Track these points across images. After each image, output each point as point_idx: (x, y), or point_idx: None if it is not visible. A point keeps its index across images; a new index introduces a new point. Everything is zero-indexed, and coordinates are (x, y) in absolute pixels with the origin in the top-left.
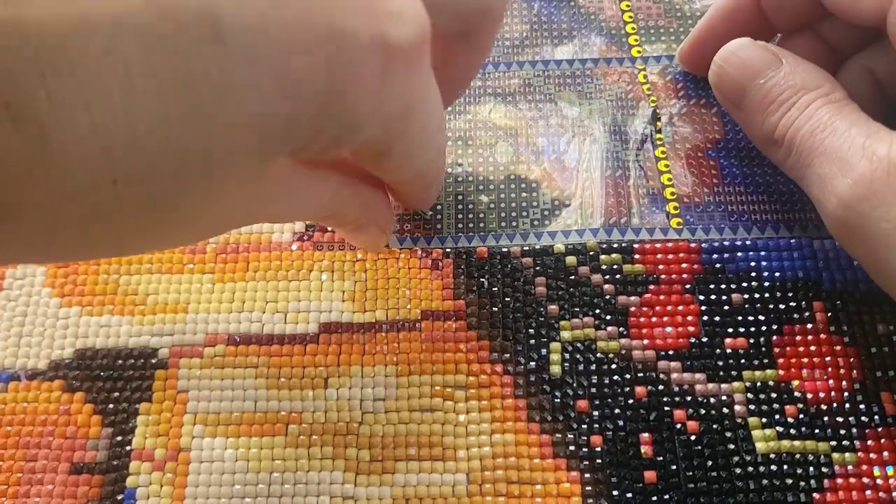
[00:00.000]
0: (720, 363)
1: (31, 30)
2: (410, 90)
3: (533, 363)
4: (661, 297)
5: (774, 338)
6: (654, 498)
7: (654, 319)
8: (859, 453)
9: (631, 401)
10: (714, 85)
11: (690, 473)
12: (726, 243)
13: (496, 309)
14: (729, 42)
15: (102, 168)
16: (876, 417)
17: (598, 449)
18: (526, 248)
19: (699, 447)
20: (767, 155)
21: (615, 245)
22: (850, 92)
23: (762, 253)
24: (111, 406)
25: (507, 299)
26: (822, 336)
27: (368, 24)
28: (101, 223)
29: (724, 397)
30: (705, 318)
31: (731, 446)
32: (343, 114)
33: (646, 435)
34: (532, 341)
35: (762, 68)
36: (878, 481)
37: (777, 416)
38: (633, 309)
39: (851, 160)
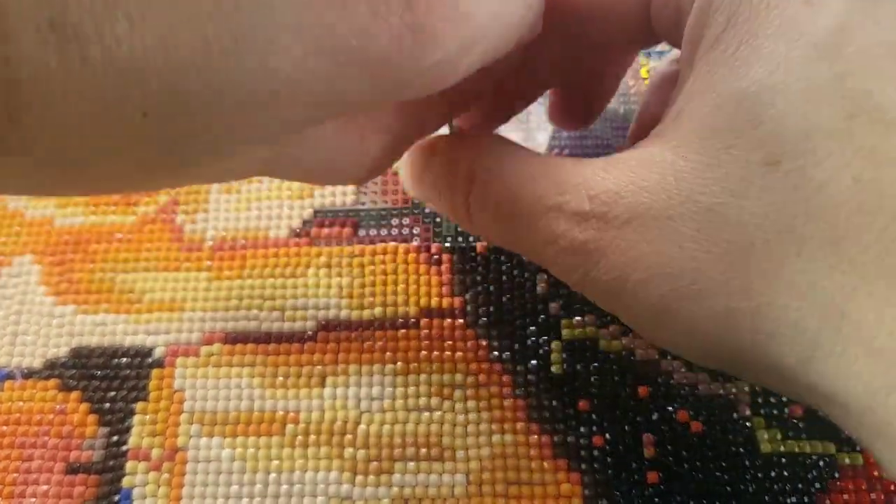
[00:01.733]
0: None
1: None
2: None
3: (533, 362)
4: None
5: None
6: (657, 499)
7: None
8: (864, 453)
9: (633, 400)
10: None
11: (693, 474)
12: None
13: (496, 307)
14: None
15: (135, 98)
16: None
17: (600, 449)
18: None
19: (702, 447)
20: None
21: None
22: None
23: None
24: (107, 405)
25: (507, 297)
26: None
27: None
28: (118, 158)
29: (727, 397)
30: None
31: (735, 447)
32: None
33: (648, 435)
34: (533, 339)
35: None
36: (883, 482)
37: (781, 416)
38: None
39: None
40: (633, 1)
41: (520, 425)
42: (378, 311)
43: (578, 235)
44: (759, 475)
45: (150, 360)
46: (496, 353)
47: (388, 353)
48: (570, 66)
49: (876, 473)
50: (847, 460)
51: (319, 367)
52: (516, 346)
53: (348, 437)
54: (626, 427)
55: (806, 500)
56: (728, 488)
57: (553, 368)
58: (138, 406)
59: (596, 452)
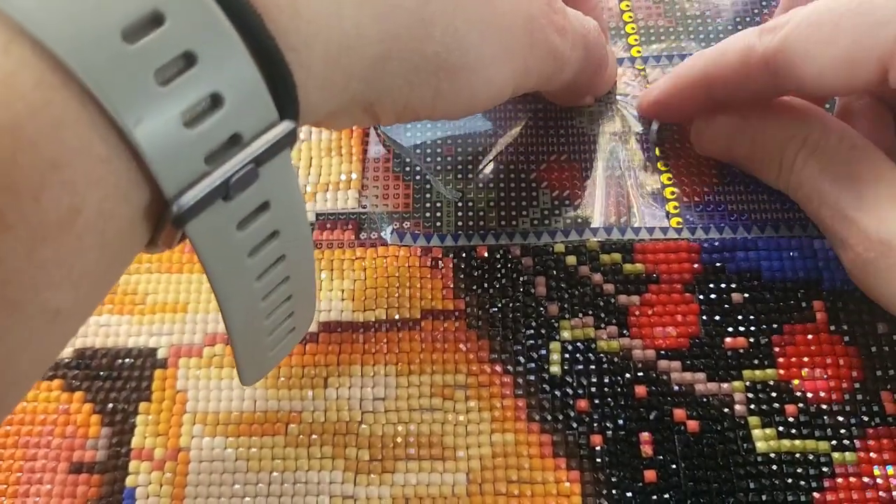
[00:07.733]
0: (720, 362)
1: None
2: None
3: (533, 363)
4: (661, 297)
5: (774, 337)
6: (654, 497)
7: (653, 319)
8: (859, 453)
9: (631, 400)
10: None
11: (690, 473)
12: (726, 242)
13: (496, 308)
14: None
15: None
16: (876, 417)
17: (598, 448)
18: (526, 247)
19: (699, 446)
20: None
21: (615, 244)
22: None
23: (762, 252)
24: (110, 405)
25: (506, 299)
26: (823, 335)
27: None
28: None
29: (724, 397)
30: (705, 317)
31: (731, 446)
32: None
33: (646, 434)
34: (532, 341)
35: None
36: (878, 481)
37: (777, 416)
38: (633, 308)
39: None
40: None
41: (519, 425)
42: (379, 312)
43: (862, 254)
44: (756, 474)
45: (153, 360)
46: (496, 353)
47: (389, 354)
48: None
49: (876, 472)
50: (842, 460)
51: (321, 367)
52: (516, 346)
53: (350, 436)
54: (624, 426)
55: (802, 499)
56: (724, 487)
57: (552, 369)
58: (141, 406)
59: (595, 451)
